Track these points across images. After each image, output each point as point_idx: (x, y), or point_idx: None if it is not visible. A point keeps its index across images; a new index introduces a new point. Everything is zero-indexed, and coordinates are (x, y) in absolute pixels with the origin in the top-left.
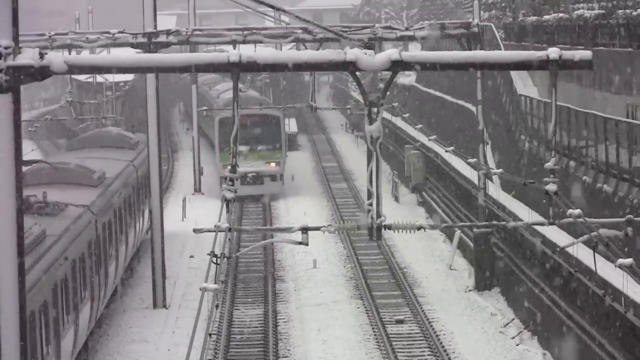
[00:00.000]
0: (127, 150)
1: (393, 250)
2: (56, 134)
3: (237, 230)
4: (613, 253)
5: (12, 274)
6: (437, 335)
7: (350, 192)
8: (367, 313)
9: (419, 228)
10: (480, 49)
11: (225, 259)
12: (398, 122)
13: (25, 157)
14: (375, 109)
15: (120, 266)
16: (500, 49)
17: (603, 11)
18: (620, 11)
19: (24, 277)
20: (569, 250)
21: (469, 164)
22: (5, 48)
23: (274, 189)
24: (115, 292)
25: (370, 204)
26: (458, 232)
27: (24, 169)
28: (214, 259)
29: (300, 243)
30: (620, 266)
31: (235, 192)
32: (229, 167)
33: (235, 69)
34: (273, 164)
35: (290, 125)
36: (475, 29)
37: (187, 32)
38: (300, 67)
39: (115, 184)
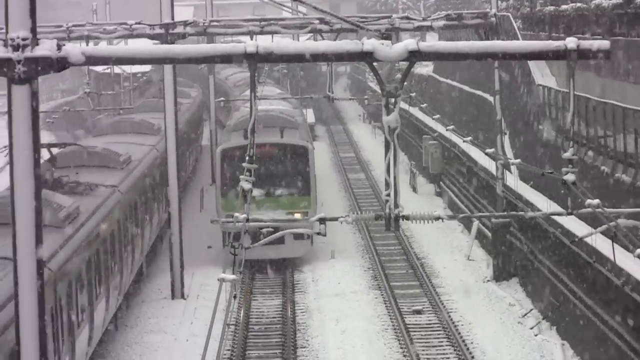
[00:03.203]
0: (150, 136)
1: (411, 241)
2: (74, 125)
3: (254, 221)
4: (632, 243)
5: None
6: (455, 326)
7: (367, 183)
8: (385, 303)
9: (437, 218)
10: (498, 39)
11: (244, 249)
12: (416, 112)
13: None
14: (392, 100)
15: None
16: (518, 39)
17: (621, 0)
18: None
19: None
20: (588, 240)
21: (487, 154)
22: (23, 39)
23: (299, 251)
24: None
25: (388, 195)
26: (476, 223)
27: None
28: (232, 250)
29: (318, 234)
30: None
31: (253, 182)
32: (232, 219)
33: (253, 60)
34: (298, 215)
35: (308, 115)
36: (493, 19)
37: (204, 23)
38: (317, 57)
39: (139, 167)
